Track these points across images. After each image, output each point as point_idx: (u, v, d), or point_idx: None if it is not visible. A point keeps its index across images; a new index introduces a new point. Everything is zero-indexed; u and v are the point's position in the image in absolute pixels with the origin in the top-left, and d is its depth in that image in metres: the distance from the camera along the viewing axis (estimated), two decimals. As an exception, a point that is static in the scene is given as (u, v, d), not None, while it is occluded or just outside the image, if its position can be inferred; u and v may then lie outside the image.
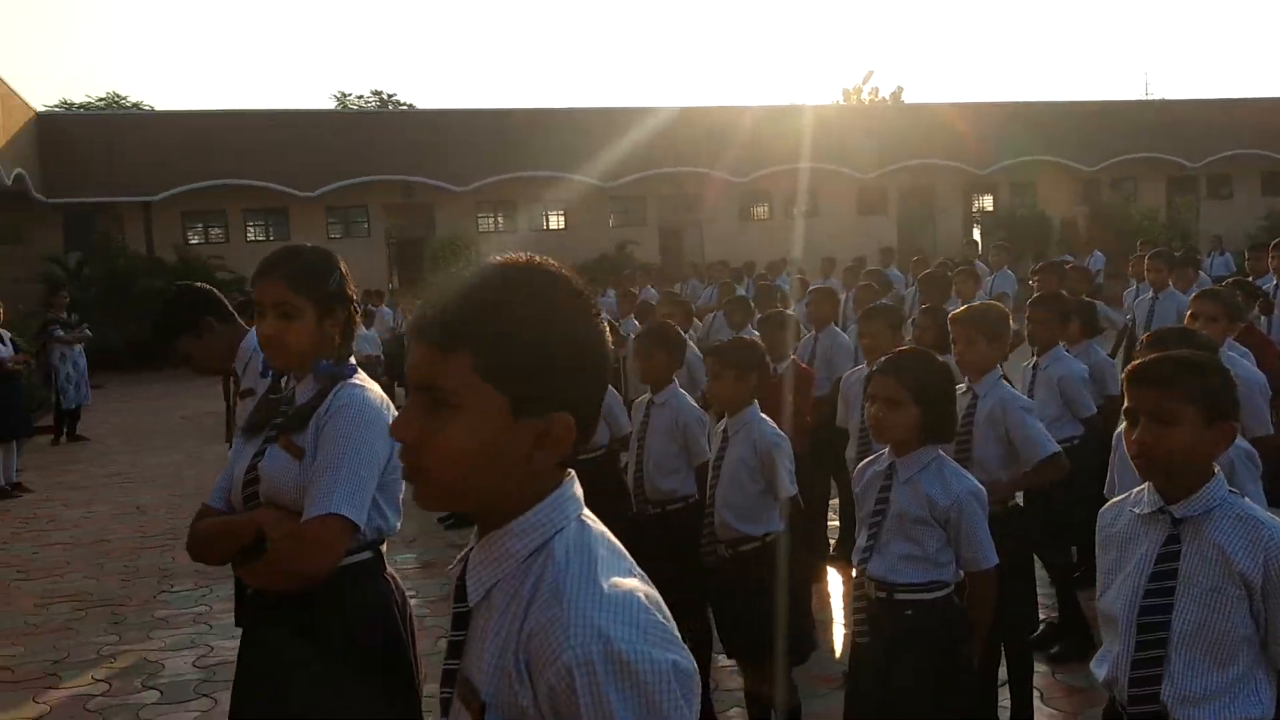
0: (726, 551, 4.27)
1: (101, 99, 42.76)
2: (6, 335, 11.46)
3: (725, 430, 4.35)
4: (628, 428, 5.35)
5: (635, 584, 1.33)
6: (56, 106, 37.86)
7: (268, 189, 25.65)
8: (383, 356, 14.33)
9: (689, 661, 1.29)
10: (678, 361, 5.04)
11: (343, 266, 2.69)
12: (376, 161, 26.20)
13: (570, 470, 1.45)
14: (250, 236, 26.88)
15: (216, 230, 26.90)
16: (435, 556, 7.73)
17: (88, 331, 14.97)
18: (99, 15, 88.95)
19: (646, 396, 5.05)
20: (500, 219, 28.68)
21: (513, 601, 1.35)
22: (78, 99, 43.52)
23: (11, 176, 19.32)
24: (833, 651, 5.50)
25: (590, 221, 28.63)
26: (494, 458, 1.35)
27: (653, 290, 14.47)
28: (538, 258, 1.44)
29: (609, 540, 1.41)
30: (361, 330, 3.96)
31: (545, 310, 1.37)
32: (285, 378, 2.80)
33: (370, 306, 16.00)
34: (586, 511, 1.43)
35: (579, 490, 1.44)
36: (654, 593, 1.35)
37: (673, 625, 1.33)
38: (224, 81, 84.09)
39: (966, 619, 3.36)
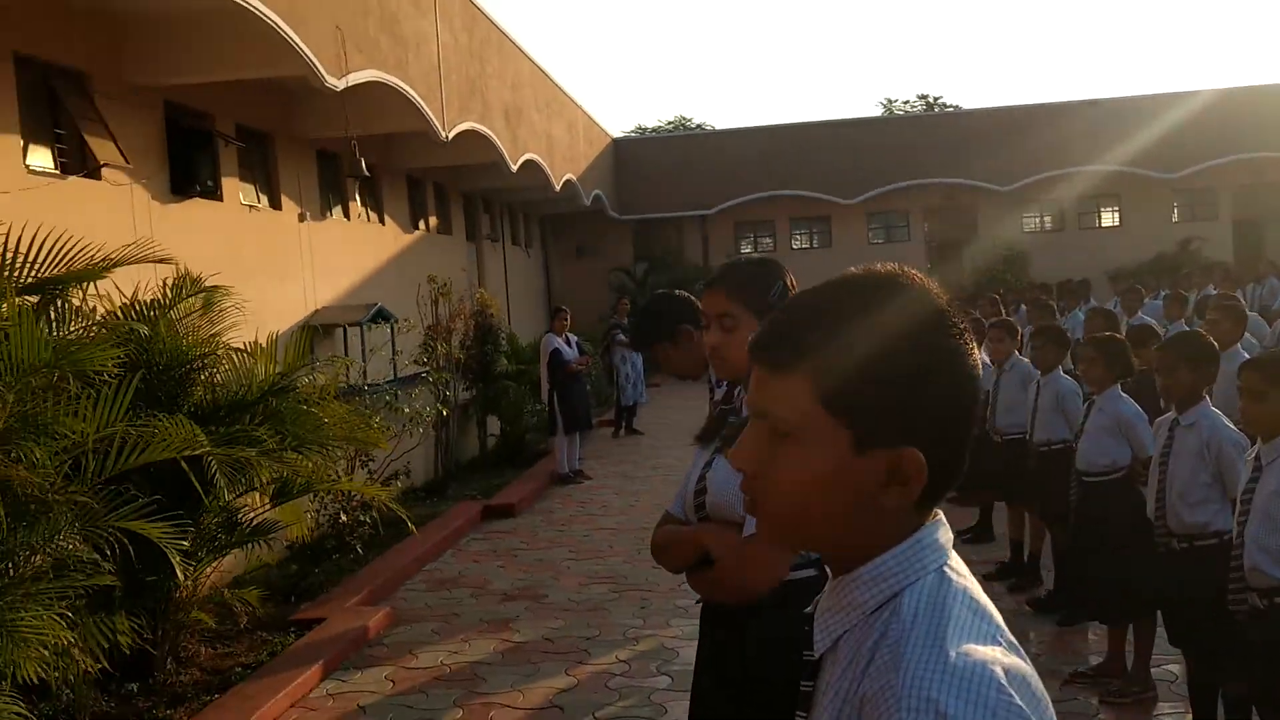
0: (1261, 602, 3.63)
1: (670, 122, 46.89)
2: (574, 339, 12.86)
3: (1258, 457, 3.69)
4: (1151, 448, 4.77)
5: (994, 654, 1.11)
6: (631, 132, 42.04)
7: (813, 198, 26.45)
8: None
9: None
10: (1208, 376, 4.39)
11: (788, 278, 2.63)
12: (917, 165, 25.95)
13: (938, 513, 1.26)
14: (795, 245, 27.86)
15: (766, 240, 28.19)
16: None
17: (646, 335, 16.43)
18: (673, 48, 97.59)
19: (1170, 415, 4.46)
20: (1047, 218, 27.16)
21: (856, 658, 1.19)
22: (650, 124, 48.23)
23: (590, 197, 21.85)
24: None
25: (1148, 217, 26.15)
26: (833, 495, 1.20)
27: (1213, 290, 12.83)
28: (895, 268, 1.26)
29: (973, 598, 1.19)
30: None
31: (895, 330, 1.19)
32: (738, 388, 2.81)
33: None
34: (953, 562, 1.23)
35: (945, 536, 1.24)
36: (1021, 665, 1.13)
37: (1040, 708, 1.10)
38: (779, 97, 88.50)
39: None
